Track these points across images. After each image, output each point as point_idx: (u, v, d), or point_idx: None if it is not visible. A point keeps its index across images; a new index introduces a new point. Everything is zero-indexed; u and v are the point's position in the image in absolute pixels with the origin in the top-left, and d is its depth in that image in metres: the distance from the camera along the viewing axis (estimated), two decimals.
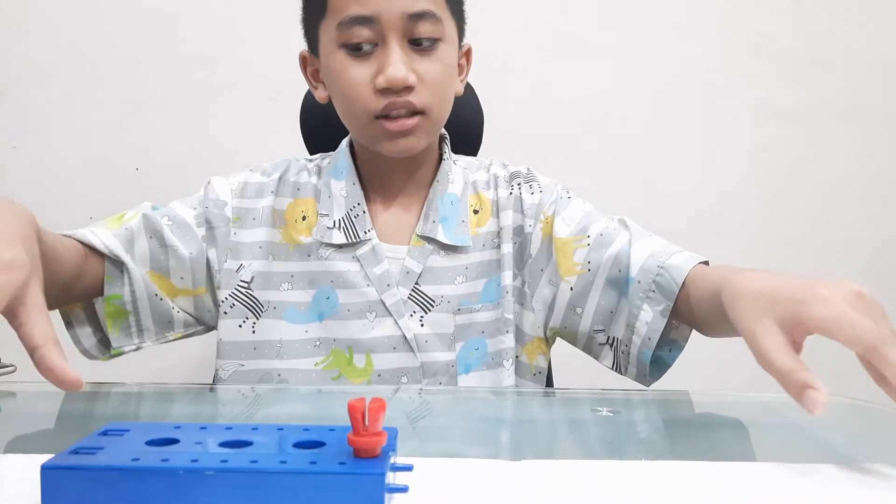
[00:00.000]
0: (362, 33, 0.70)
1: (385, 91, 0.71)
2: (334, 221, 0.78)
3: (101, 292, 0.74)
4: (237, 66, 1.49)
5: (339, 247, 0.78)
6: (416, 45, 0.72)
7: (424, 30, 0.71)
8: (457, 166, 0.84)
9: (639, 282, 0.73)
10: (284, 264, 0.78)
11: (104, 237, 0.73)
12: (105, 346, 0.77)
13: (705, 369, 1.50)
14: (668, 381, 0.86)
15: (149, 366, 1.48)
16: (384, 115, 0.72)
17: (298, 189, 0.81)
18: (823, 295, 0.49)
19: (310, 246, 0.78)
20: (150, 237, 0.76)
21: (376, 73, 0.71)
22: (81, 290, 0.72)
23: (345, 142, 0.84)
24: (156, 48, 1.49)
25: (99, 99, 1.49)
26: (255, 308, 0.78)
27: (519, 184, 0.83)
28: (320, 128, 1.03)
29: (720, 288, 0.58)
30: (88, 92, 1.48)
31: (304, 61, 0.82)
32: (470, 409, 0.67)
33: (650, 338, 0.73)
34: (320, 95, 0.80)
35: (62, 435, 0.55)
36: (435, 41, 0.72)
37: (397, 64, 0.70)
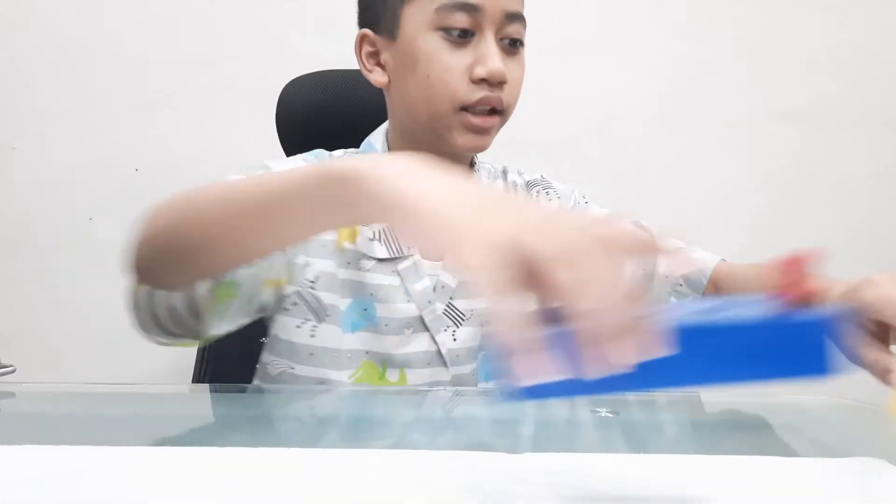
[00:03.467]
0: (463, 20, 0.69)
1: (481, 83, 0.70)
2: (374, 232, 0.76)
3: None
4: (237, 67, 1.49)
5: (380, 260, 0.75)
6: (505, 44, 0.72)
7: (515, 30, 0.72)
8: (483, 174, 0.83)
9: (665, 276, 0.76)
10: (336, 267, 0.75)
11: None
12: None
13: None
14: None
15: (139, 367, 1.49)
16: (469, 108, 0.71)
17: None
18: (873, 280, 0.53)
19: (351, 253, 0.76)
20: None
21: (473, 64, 0.70)
22: None
23: (379, 143, 0.79)
24: (156, 49, 1.48)
25: (98, 99, 1.49)
26: (318, 311, 0.74)
27: (537, 192, 0.84)
28: (297, 128, 1.02)
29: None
30: (88, 92, 1.48)
31: (361, 41, 0.77)
32: (459, 410, 0.67)
33: None
34: (376, 79, 0.77)
35: (62, 435, 0.55)
36: (520, 44, 0.73)
37: (497, 57, 0.69)
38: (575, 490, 0.40)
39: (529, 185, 0.85)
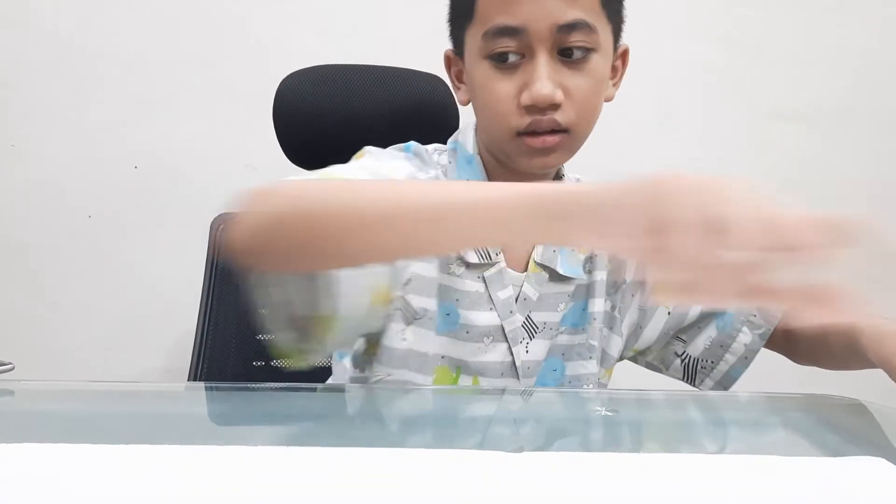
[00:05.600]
0: (508, 44, 0.66)
1: (530, 108, 0.67)
2: None
3: None
4: (235, 66, 1.49)
5: (469, 265, 0.74)
6: (566, 56, 0.67)
7: (575, 41, 0.66)
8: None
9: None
10: (432, 270, 0.73)
11: None
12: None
13: None
14: (669, 381, 0.87)
15: (138, 365, 1.49)
16: (527, 132, 0.68)
17: None
18: None
19: (445, 256, 0.74)
20: None
21: (521, 88, 0.67)
22: None
23: (471, 145, 0.77)
24: (155, 48, 1.48)
25: (98, 98, 1.48)
26: (408, 315, 0.72)
27: None
28: (294, 123, 1.01)
29: (854, 331, 0.66)
30: (87, 91, 1.48)
31: (448, 61, 0.77)
32: (464, 408, 0.67)
33: (747, 357, 0.80)
34: (461, 98, 0.76)
35: (60, 433, 0.55)
36: (587, 52, 0.67)
37: (543, 80, 0.65)
38: (574, 489, 0.40)
39: None
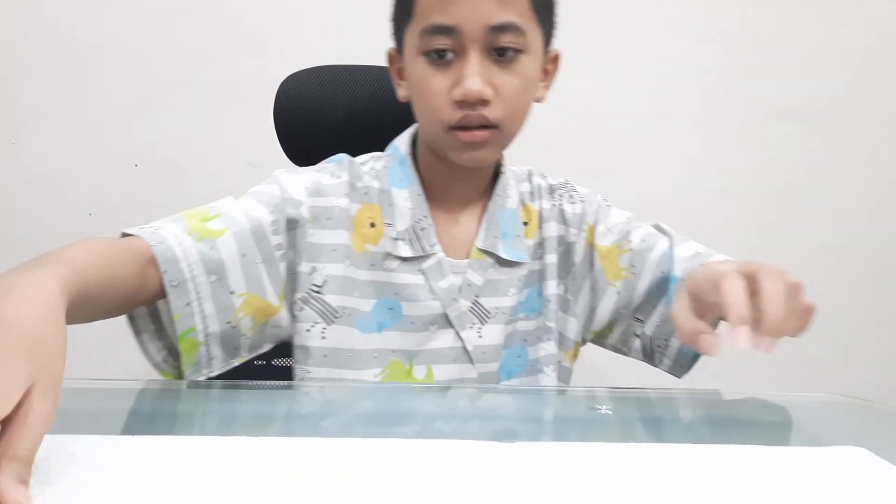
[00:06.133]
0: (443, 42, 0.70)
1: (461, 103, 0.70)
2: (399, 233, 0.77)
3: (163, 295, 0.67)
4: (236, 64, 1.49)
5: (404, 259, 0.77)
6: (497, 55, 0.70)
7: (505, 41, 0.70)
8: (510, 178, 0.84)
9: (682, 280, 0.77)
10: (356, 270, 0.77)
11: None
12: (175, 359, 0.71)
13: (707, 367, 1.50)
14: (669, 380, 0.87)
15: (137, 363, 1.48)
16: (458, 126, 0.71)
17: (366, 194, 0.79)
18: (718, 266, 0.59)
19: (375, 255, 0.77)
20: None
21: (454, 84, 0.70)
22: (146, 300, 0.67)
23: (404, 147, 0.81)
24: (155, 45, 1.48)
25: (98, 96, 1.48)
26: (327, 313, 0.76)
27: (560, 195, 0.85)
28: (295, 123, 1.02)
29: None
30: (87, 89, 1.48)
31: (391, 59, 0.81)
32: (459, 405, 0.67)
33: None
34: (402, 94, 0.79)
35: (59, 430, 0.55)
36: (516, 52, 0.71)
37: (474, 77, 0.69)
38: (565, 478, 0.40)
39: (553, 188, 0.86)
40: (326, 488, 0.38)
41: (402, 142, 0.82)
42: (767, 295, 0.53)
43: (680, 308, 0.61)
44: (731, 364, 1.53)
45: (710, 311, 0.61)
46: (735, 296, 0.54)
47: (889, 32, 1.59)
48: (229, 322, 0.69)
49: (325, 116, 1.01)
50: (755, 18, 1.56)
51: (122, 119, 1.49)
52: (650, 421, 0.65)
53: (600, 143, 1.55)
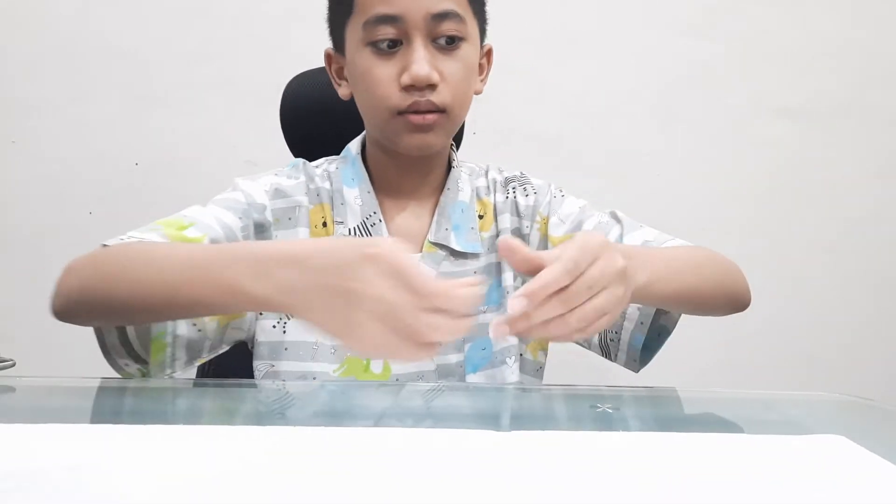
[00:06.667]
0: (387, 31, 0.72)
1: (409, 88, 0.72)
2: (350, 230, 0.79)
3: None
4: (236, 63, 1.49)
5: None
6: (439, 43, 0.73)
7: (447, 29, 0.72)
8: (463, 173, 0.85)
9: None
10: None
11: None
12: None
13: (709, 366, 1.51)
14: (669, 379, 0.87)
15: None
16: (407, 111, 0.73)
17: (318, 194, 0.81)
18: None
19: None
20: None
21: (401, 71, 0.72)
22: None
23: (354, 148, 0.84)
24: (155, 44, 1.49)
25: (98, 94, 1.49)
26: None
27: (514, 188, 0.86)
28: (301, 127, 1.03)
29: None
30: (88, 87, 1.48)
31: (328, 59, 0.83)
32: (466, 405, 0.67)
33: (642, 322, 0.78)
34: (343, 93, 0.81)
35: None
36: (457, 40, 0.74)
37: (421, 62, 0.71)
38: (556, 464, 0.41)
39: (507, 181, 0.87)
40: (323, 478, 0.38)
41: (353, 144, 0.84)
42: (563, 295, 0.51)
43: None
44: (732, 363, 1.53)
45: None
46: (532, 286, 0.51)
47: (889, 31, 1.59)
48: (195, 324, 0.70)
49: (332, 116, 1.01)
50: (755, 16, 1.56)
51: (123, 117, 1.49)
52: (649, 419, 0.65)
53: (601, 143, 1.55)
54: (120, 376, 0.68)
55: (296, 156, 1.04)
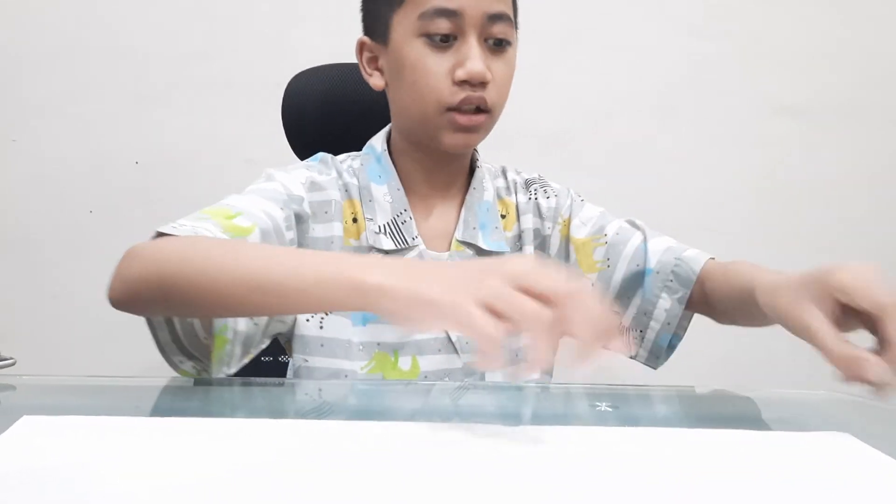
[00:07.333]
0: (443, 25, 0.72)
1: (462, 84, 0.72)
2: (380, 227, 0.79)
3: None
4: (236, 62, 1.49)
5: (387, 252, 0.78)
6: (489, 44, 0.74)
7: (499, 31, 0.74)
8: (486, 173, 0.86)
9: (657, 273, 0.80)
10: None
11: None
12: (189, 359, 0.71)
13: (708, 365, 1.51)
14: (670, 378, 0.87)
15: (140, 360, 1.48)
16: (455, 108, 0.73)
17: (347, 190, 0.81)
18: (846, 265, 0.54)
19: (358, 249, 0.79)
20: None
21: (454, 66, 0.73)
22: None
23: (379, 144, 0.83)
24: (156, 43, 1.49)
25: (99, 93, 1.49)
26: None
27: (535, 189, 0.88)
28: (303, 121, 1.03)
29: (752, 286, 0.64)
30: (88, 86, 1.48)
31: (361, 47, 0.81)
32: (490, 403, 0.67)
33: (669, 323, 0.81)
34: (375, 83, 0.81)
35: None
36: (505, 43, 0.75)
37: (477, 59, 0.72)
38: (566, 459, 0.42)
39: (528, 182, 0.88)
40: (337, 471, 0.38)
41: (377, 141, 0.84)
42: None
43: (820, 327, 0.53)
44: (731, 363, 1.53)
45: (848, 323, 0.55)
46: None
47: (891, 29, 1.59)
48: (253, 318, 0.69)
49: (334, 115, 1.01)
50: (757, 15, 1.56)
51: (123, 116, 1.49)
52: (658, 416, 0.65)
53: (602, 142, 1.55)
54: (177, 374, 0.68)
55: (297, 155, 1.04)
